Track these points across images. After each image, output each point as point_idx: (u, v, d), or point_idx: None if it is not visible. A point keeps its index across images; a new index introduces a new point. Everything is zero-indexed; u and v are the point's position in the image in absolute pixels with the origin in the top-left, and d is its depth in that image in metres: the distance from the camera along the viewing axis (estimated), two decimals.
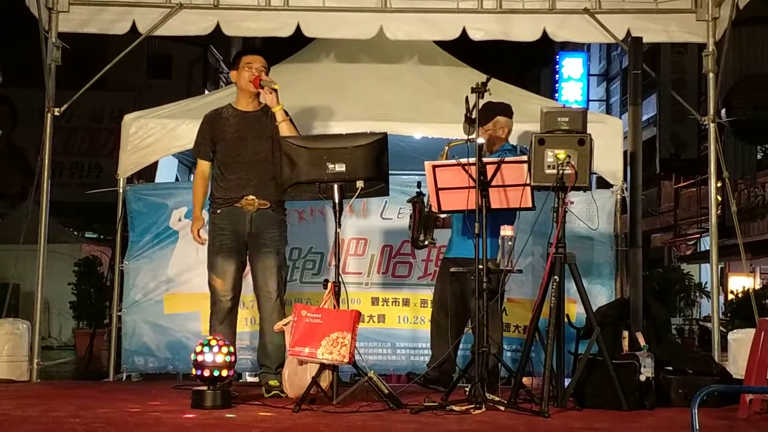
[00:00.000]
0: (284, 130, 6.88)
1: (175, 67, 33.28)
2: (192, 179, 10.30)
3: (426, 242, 7.22)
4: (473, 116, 6.44)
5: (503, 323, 7.79)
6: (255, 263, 7.04)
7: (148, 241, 8.46)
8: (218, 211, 7.03)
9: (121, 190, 8.48)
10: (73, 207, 23.99)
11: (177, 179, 10.08)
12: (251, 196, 6.94)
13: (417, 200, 7.15)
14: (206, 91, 26.82)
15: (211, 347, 6.12)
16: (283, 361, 6.84)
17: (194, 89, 30.09)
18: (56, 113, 8.33)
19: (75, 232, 24.68)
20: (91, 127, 29.89)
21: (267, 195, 6.97)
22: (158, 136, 8.52)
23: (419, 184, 7.29)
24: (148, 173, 9.59)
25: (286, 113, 7.00)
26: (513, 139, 7.60)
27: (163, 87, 30.01)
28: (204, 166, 7.15)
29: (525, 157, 6.61)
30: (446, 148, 7.33)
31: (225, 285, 6.99)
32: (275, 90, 6.93)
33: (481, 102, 6.49)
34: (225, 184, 7.01)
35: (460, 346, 7.42)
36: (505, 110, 7.29)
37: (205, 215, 7.20)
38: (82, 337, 16.33)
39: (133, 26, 8.39)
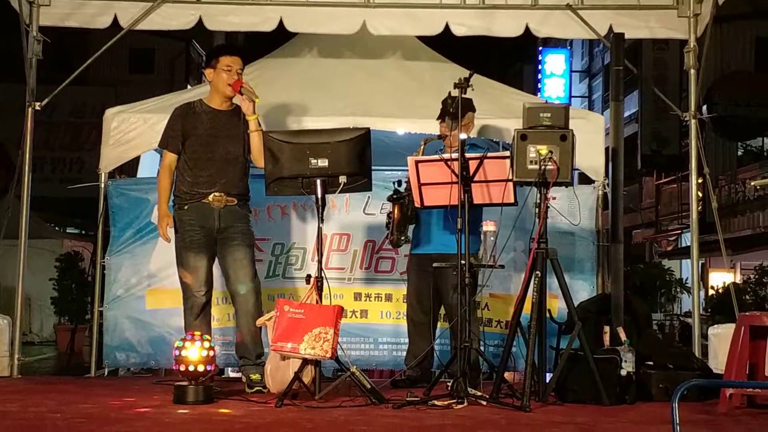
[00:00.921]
0: (254, 139, 6.93)
1: (158, 61, 33.21)
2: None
3: (404, 241, 7.27)
4: (453, 111, 6.49)
5: (484, 318, 7.87)
6: (225, 257, 7.03)
7: (130, 236, 8.43)
8: (185, 207, 7.02)
9: (102, 185, 8.44)
10: (54, 202, 23.89)
11: None
12: (219, 193, 6.94)
13: (401, 200, 7.16)
14: (189, 86, 26.70)
15: (192, 342, 6.12)
16: (261, 351, 6.87)
17: (177, 84, 29.98)
18: (37, 107, 8.30)
19: (56, 228, 24.55)
20: (73, 121, 29.77)
21: (235, 193, 7.00)
22: (140, 131, 8.48)
23: (399, 183, 7.31)
24: (129, 168, 9.54)
25: (260, 124, 7.03)
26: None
27: (146, 82, 29.88)
28: (171, 158, 7.13)
29: (507, 153, 6.64)
30: (422, 144, 7.37)
31: (197, 280, 7.00)
32: (254, 101, 6.96)
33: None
34: (193, 180, 7.01)
35: (439, 340, 7.45)
36: (472, 105, 7.30)
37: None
38: (63, 332, 16.26)
39: (115, 20, 8.36)
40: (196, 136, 7.05)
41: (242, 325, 7.02)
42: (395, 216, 7.25)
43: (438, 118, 7.37)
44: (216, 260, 7.11)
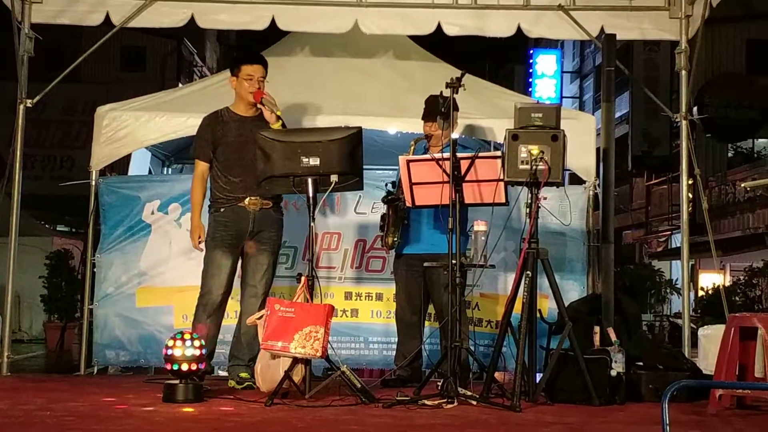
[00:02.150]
0: None
1: (149, 59, 33.15)
2: (163, 172, 10.34)
3: (398, 242, 7.27)
4: (444, 111, 6.50)
5: (474, 318, 7.89)
6: (249, 258, 7.12)
7: (121, 234, 8.42)
8: (221, 209, 7.10)
9: (93, 183, 8.43)
10: (45, 200, 23.85)
11: (150, 172, 10.02)
12: (255, 197, 7.01)
13: (396, 202, 7.16)
14: (180, 84, 26.71)
15: (182, 341, 6.11)
16: (255, 354, 6.87)
17: (168, 82, 29.93)
18: (29, 105, 8.29)
19: (47, 225, 24.51)
20: (64, 119, 29.69)
21: (269, 196, 7.04)
22: (131, 129, 8.46)
23: (394, 184, 7.32)
24: (120, 166, 9.53)
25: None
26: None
27: (137, 80, 29.83)
28: (203, 167, 7.20)
29: (499, 153, 6.64)
30: (412, 144, 7.39)
31: (220, 279, 7.06)
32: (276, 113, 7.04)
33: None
34: (228, 186, 7.08)
35: (428, 340, 7.45)
36: (456, 104, 7.30)
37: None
38: (53, 330, 16.22)
39: (107, 18, 8.35)
40: (225, 143, 7.12)
41: (242, 324, 7.06)
42: (390, 218, 7.25)
43: (422, 118, 7.39)
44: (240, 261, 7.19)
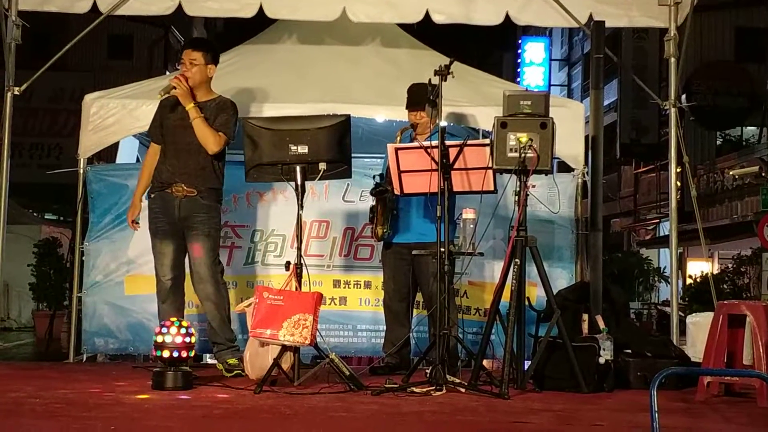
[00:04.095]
0: (196, 127, 6.92)
1: (136, 47, 33.05)
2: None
3: (387, 233, 7.27)
4: (432, 99, 6.49)
5: (463, 306, 7.90)
6: (187, 244, 7.13)
7: (109, 222, 8.40)
8: (152, 195, 7.15)
9: (81, 171, 8.41)
10: (32, 188, 23.81)
11: (138, 160, 9.99)
12: (180, 184, 6.99)
13: (385, 194, 7.15)
14: (167, 72, 26.66)
15: (171, 329, 6.11)
16: (232, 336, 6.94)
17: (155, 70, 29.89)
18: (16, 92, 8.26)
19: (35, 214, 24.49)
20: (51, 107, 29.63)
21: (197, 184, 7.02)
22: (119, 117, 8.44)
23: (381, 176, 7.31)
24: (108, 154, 9.51)
25: (200, 111, 6.97)
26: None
27: (124, 68, 29.80)
28: (155, 148, 7.24)
29: (487, 141, 6.64)
30: (398, 134, 7.40)
31: (163, 266, 7.13)
32: (181, 91, 6.93)
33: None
34: (160, 169, 7.11)
35: (416, 327, 7.46)
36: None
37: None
38: (41, 318, 16.23)
39: (94, 5, 8.31)
40: (167, 126, 7.14)
41: (207, 311, 7.15)
42: (379, 209, 7.25)
43: (407, 108, 7.39)
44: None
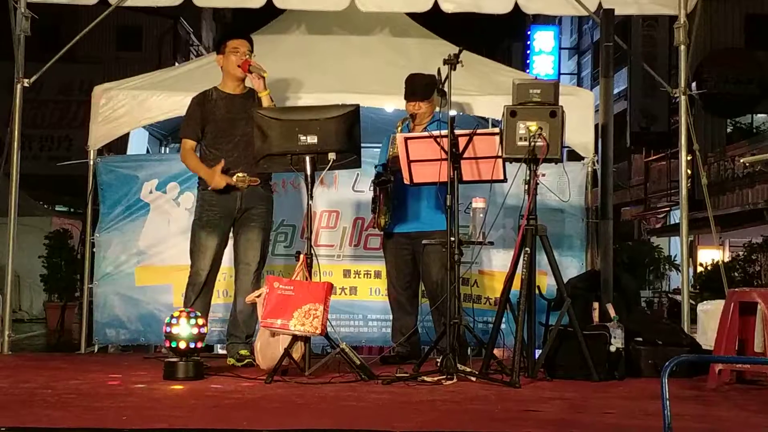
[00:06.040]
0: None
1: (146, 39, 33.09)
2: (161, 152, 10.32)
3: (389, 223, 7.27)
4: (441, 88, 6.49)
5: (473, 295, 7.91)
6: (239, 236, 7.14)
7: (119, 213, 8.41)
8: (209, 187, 7.07)
9: (91, 163, 8.42)
10: (43, 180, 23.84)
11: (148, 151, 10.01)
12: (242, 174, 6.98)
13: (387, 184, 7.15)
14: (176, 63, 26.67)
15: (182, 319, 6.12)
16: (252, 332, 6.91)
17: (165, 62, 29.92)
18: (26, 84, 8.27)
19: (45, 205, 24.49)
20: (61, 99, 29.69)
21: (256, 174, 7.02)
22: (129, 108, 8.45)
23: (384, 167, 7.31)
24: (118, 145, 9.52)
25: (272, 99, 7.11)
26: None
27: (133, 59, 29.82)
28: (191, 144, 7.20)
29: (497, 129, 6.63)
30: (399, 124, 7.40)
31: (204, 260, 7.08)
32: (263, 76, 7.04)
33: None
34: (216, 163, 7.04)
35: (424, 317, 7.47)
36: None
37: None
38: (53, 310, 16.23)
39: None
40: (214, 121, 7.13)
41: (238, 303, 7.11)
42: (380, 199, 7.25)
43: (405, 98, 7.39)
44: (229, 243, 7.21)
